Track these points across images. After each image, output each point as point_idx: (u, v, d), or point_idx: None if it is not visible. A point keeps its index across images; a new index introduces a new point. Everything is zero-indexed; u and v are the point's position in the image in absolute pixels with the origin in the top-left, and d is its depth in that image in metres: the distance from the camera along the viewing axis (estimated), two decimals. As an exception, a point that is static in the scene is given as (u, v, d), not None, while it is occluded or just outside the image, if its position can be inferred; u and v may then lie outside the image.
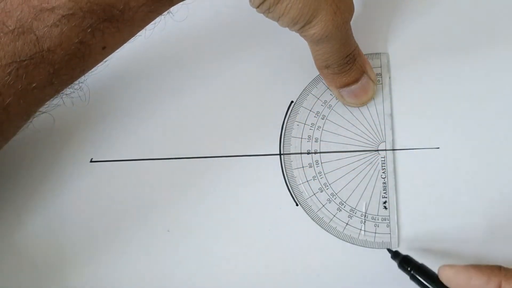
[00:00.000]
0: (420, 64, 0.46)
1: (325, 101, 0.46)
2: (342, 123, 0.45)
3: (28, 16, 0.34)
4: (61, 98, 0.40)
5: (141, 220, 0.45)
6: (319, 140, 0.45)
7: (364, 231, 0.43)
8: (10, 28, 0.34)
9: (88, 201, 0.46)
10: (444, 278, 0.36)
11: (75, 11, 0.34)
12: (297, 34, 0.39)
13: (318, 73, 0.44)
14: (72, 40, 0.35)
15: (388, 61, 0.46)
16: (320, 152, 0.45)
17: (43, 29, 0.34)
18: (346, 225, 0.43)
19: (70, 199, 0.46)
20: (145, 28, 0.39)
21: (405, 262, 0.39)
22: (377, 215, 0.43)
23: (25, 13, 0.34)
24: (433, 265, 0.38)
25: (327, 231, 0.44)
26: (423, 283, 0.38)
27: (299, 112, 0.46)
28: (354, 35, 0.41)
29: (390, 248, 0.42)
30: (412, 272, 0.39)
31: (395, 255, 0.40)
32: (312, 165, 0.45)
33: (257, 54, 0.47)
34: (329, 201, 0.44)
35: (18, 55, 0.34)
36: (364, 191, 0.44)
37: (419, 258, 0.40)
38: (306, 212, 0.44)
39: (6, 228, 0.46)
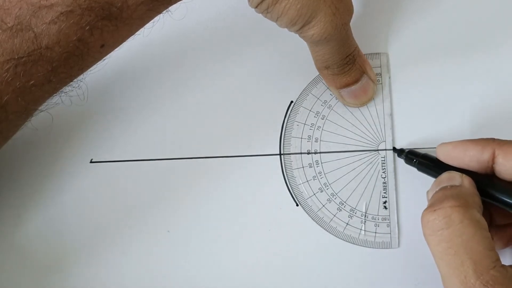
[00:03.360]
0: (420, 64, 0.46)
1: (325, 101, 0.46)
2: (342, 123, 0.45)
3: (26, 13, 0.34)
4: (60, 96, 0.40)
5: (141, 221, 0.45)
6: (319, 140, 0.45)
7: (364, 231, 0.43)
8: (9, 25, 0.34)
9: (88, 201, 0.46)
10: (441, 155, 0.38)
11: (74, 9, 0.35)
12: (297, 34, 0.40)
13: (318, 73, 0.44)
14: (70, 38, 0.35)
15: (388, 61, 0.46)
16: (320, 152, 0.45)
17: (42, 26, 0.34)
18: (346, 225, 0.43)
19: (70, 200, 0.46)
20: (144, 26, 0.39)
21: (410, 154, 0.42)
22: (377, 215, 0.43)
23: (23, 10, 0.34)
24: (433, 264, 0.38)
25: (327, 231, 0.43)
26: (429, 168, 0.40)
27: (299, 112, 0.46)
28: (354, 35, 0.42)
29: (394, 146, 0.44)
30: (417, 162, 0.41)
31: (400, 152, 0.43)
32: (312, 165, 0.45)
33: (257, 54, 0.47)
34: (329, 201, 0.44)
35: (16, 52, 0.34)
36: (364, 191, 0.44)
37: (419, 258, 0.40)
38: (306, 212, 0.44)
39: (6, 228, 0.46)
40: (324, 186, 0.44)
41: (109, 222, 0.45)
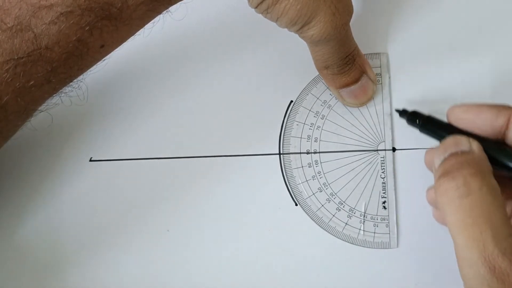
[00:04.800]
0: (420, 64, 0.46)
1: (325, 101, 0.46)
2: (341, 123, 0.45)
3: (26, 14, 0.34)
4: (60, 97, 0.40)
5: (141, 220, 0.45)
6: (318, 140, 0.45)
7: (364, 231, 0.43)
8: (8, 25, 0.34)
9: (88, 200, 0.46)
10: (452, 117, 0.37)
11: (74, 9, 0.35)
12: (297, 34, 0.40)
13: (317, 73, 0.44)
14: (70, 38, 0.35)
15: (388, 61, 0.46)
16: (319, 152, 0.45)
17: (41, 27, 0.34)
18: (345, 225, 0.43)
19: (69, 198, 0.46)
20: (144, 27, 0.39)
21: (413, 116, 0.40)
22: (376, 215, 0.43)
23: (23, 11, 0.34)
24: (433, 264, 0.38)
25: (326, 230, 0.44)
26: (433, 130, 0.39)
27: (298, 112, 0.46)
28: (354, 35, 0.42)
29: (397, 108, 0.43)
30: (420, 123, 0.39)
31: (403, 112, 0.41)
32: (311, 164, 0.45)
33: (257, 54, 0.47)
34: (329, 201, 0.44)
35: (16, 52, 0.34)
36: (363, 191, 0.44)
37: (418, 258, 0.40)
38: (305, 211, 0.44)
39: (6, 228, 0.46)
40: (323, 186, 0.44)
41: (108, 221, 0.45)
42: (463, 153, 0.35)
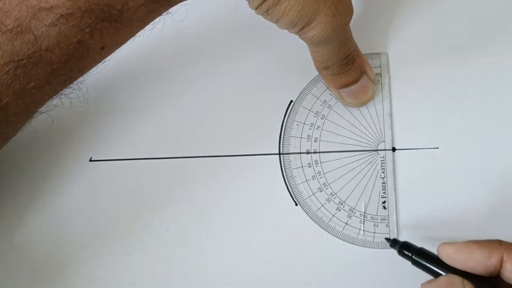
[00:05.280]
0: (419, 64, 0.46)
1: (325, 101, 0.46)
2: (341, 123, 0.45)
3: (26, 16, 0.34)
4: (60, 98, 0.40)
5: (141, 220, 0.45)
6: (318, 140, 0.45)
7: (363, 230, 0.43)
8: (9, 27, 0.34)
9: (88, 200, 0.46)
10: (444, 256, 0.36)
11: (74, 11, 0.34)
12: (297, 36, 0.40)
13: (317, 72, 0.44)
14: (70, 40, 0.35)
15: (388, 61, 0.46)
16: (319, 152, 0.45)
17: (42, 29, 0.34)
18: (345, 225, 0.43)
19: (69, 198, 0.46)
20: (144, 28, 0.39)
21: (404, 248, 0.39)
22: (376, 215, 0.43)
23: (23, 13, 0.34)
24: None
25: (326, 230, 0.44)
26: (425, 265, 0.37)
27: (298, 112, 0.46)
28: (354, 35, 0.42)
29: (388, 237, 0.42)
30: (413, 256, 0.38)
31: (394, 242, 0.40)
32: (311, 164, 0.45)
33: (257, 54, 0.47)
34: (328, 200, 0.44)
35: (16, 54, 0.34)
36: (363, 191, 0.44)
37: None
38: (305, 211, 0.44)
39: (6, 228, 0.46)
40: (323, 186, 0.44)
41: (108, 221, 0.45)
42: None
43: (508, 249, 0.34)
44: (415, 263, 0.38)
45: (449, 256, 0.35)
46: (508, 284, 0.34)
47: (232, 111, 0.47)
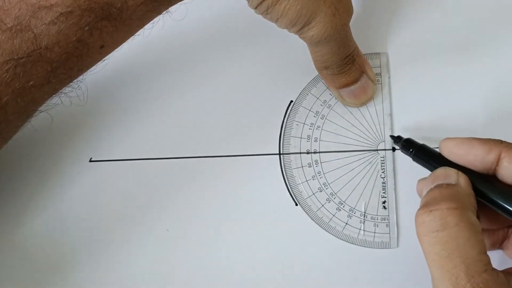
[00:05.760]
0: (419, 64, 0.46)
1: (325, 101, 0.46)
2: (341, 123, 0.45)
3: (26, 14, 0.34)
4: (60, 97, 0.40)
5: (141, 220, 0.45)
6: (318, 140, 0.45)
7: (364, 230, 0.43)
8: (8, 25, 0.34)
9: (88, 200, 0.46)
10: (445, 150, 0.37)
11: (73, 9, 0.35)
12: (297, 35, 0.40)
13: (317, 72, 0.44)
14: (70, 39, 0.35)
15: (388, 61, 0.46)
16: (319, 152, 0.45)
17: (41, 27, 0.34)
18: (345, 225, 0.43)
19: (69, 199, 0.46)
20: (143, 27, 0.39)
21: (407, 143, 0.40)
22: (377, 215, 0.43)
23: (23, 11, 0.34)
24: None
25: (326, 230, 0.44)
26: (425, 160, 0.39)
27: (298, 112, 0.46)
28: (354, 35, 0.42)
29: (392, 135, 0.43)
30: (413, 152, 0.40)
31: (397, 139, 0.41)
32: (311, 164, 0.45)
33: (257, 54, 0.47)
34: (329, 200, 0.44)
35: (15, 52, 0.34)
36: (363, 191, 0.44)
37: (418, 258, 0.40)
38: (305, 211, 0.44)
39: (6, 228, 0.46)
40: (323, 186, 0.44)
41: (108, 221, 0.45)
42: (448, 186, 0.35)
43: (508, 147, 0.35)
44: (415, 158, 0.40)
45: (450, 149, 0.37)
46: (502, 182, 0.36)
47: (232, 111, 0.47)
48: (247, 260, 0.44)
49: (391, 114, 0.45)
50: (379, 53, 0.46)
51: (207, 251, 0.44)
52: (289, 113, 0.46)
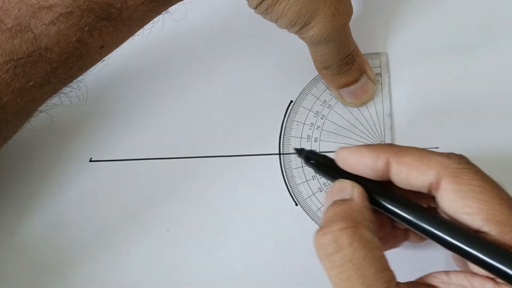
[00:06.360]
0: (419, 64, 0.46)
1: (325, 101, 0.46)
2: (341, 123, 0.45)
3: (26, 14, 0.34)
4: (59, 97, 0.40)
5: (141, 220, 0.45)
6: (318, 140, 0.45)
7: (364, 231, 0.43)
8: (8, 26, 0.34)
9: (88, 200, 0.46)
10: (339, 160, 0.35)
11: (73, 9, 0.35)
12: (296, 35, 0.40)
13: (317, 72, 0.44)
14: (69, 39, 0.35)
15: (388, 61, 0.46)
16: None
17: (41, 27, 0.34)
18: (345, 225, 0.43)
19: (69, 199, 0.46)
20: (143, 27, 0.39)
21: (310, 156, 0.38)
22: (377, 215, 0.43)
23: (23, 11, 0.34)
24: (432, 265, 0.38)
25: (326, 231, 0.43)
26: (326, 171, 0.37)
27: (298, 112, 0.46)
28: (353, 35, 0.42)
29: (296, 147, 0.41)
30: (315, 164, 0.37)
31: (299, 151, 0.39)
32: (311, 165, 0.45)
33: (257, 54, 0.47)
34: (328, 201, 0.44)
35: (15, 53, 0.34)
36: (363, 191, 0.44)
37: (418, 258, 0.40)
38: (305, 211, 0.44)
39: (6, 228, 0.46)
40: (323, 186, 0.44)
41: (108, 221, 0.45)
42: (342, 202, 0.33)
43: (394, 152, 0.33)
44: (318, 171, 0.38)
45: (343, 160, 0.35)
46: (398, 188, 0.34)
47: (232, 111, 0.47)
48: (247, 260, 0.44)
49: (391, 114, 0.45)
50: (379, 53, 0.46)
51: (207, 251, 0.44)
52: (289, 113, 0.46)
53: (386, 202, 0.34)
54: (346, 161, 0.35)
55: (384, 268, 0.31)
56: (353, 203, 0.33)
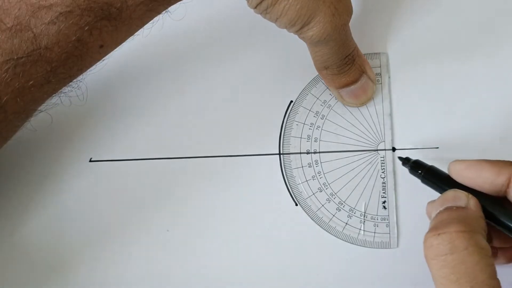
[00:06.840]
0: (419, 64, 0.46)
1: (325, 101, 0.46)
2: (341, 123, 0.45)
3: (25, 14, 0.34)
4: (59, 97, 0.40)
5: (141, 220, 0.45)
6: (318, 140, 0.45)
7: (364, 230, 0.43)
8: (8, 25, 0.34)
9: (87, 200, 0.46)
10: (454, 173, 0.37)
11: (73, 9, 0.35)
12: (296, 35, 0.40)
13: (317, 72, 0.44)
14: (69, 38, 0.35)
15: (388, 61, 0.46)
16: (319, 152, 0.45)
17: (41, 27, 0.34)
18: (345, 225, 0.43)
19: (69, 199, 0.46)
20: (143, 27, 0.39)
21: (415, 166, 0.40)
22: (377, 215, 0.43)
23: (22, 11, 0.34)
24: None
25: (326, 230, 0.44)
26: (434, 182, 0.38)
27: (298, 112, 0.46)
28: (353, 35, 0.42)
29: (400, 156, 0.42)
30: (422, 174, 0.39)
31: (406, 160, 0.41)
32: (311, 164, 0.45)
33: (257, 54, 0.47)
34: (329, 200, 0.44)
35: (15, 52, 0.34)
36: (363, 191, 0.44)
37: (418, 258, 0.40)
38: (305, 211, 0.44)
39: (6, 228, 0.46)
40: (323, 186, 0.44)
41: (108, 222, 0.45)
42: (457, 208, 0.35)
43: None
44: (425, 180, 0.39)
45: (459, 172, 0.36)
46: None
47: (232, 111, 0.47)
48: (247, 260, 0.44)
49: (391, 114, 0.45)
50: (379, 53, 0.46)
51: (207, 251, 0.44)
52: (289, 113, 0.46)
53: (501, 215, 0.35)
54: (463, 174, 0.36)
55: (493, 276, 0.32)
56: (470, 211, 0.34)
